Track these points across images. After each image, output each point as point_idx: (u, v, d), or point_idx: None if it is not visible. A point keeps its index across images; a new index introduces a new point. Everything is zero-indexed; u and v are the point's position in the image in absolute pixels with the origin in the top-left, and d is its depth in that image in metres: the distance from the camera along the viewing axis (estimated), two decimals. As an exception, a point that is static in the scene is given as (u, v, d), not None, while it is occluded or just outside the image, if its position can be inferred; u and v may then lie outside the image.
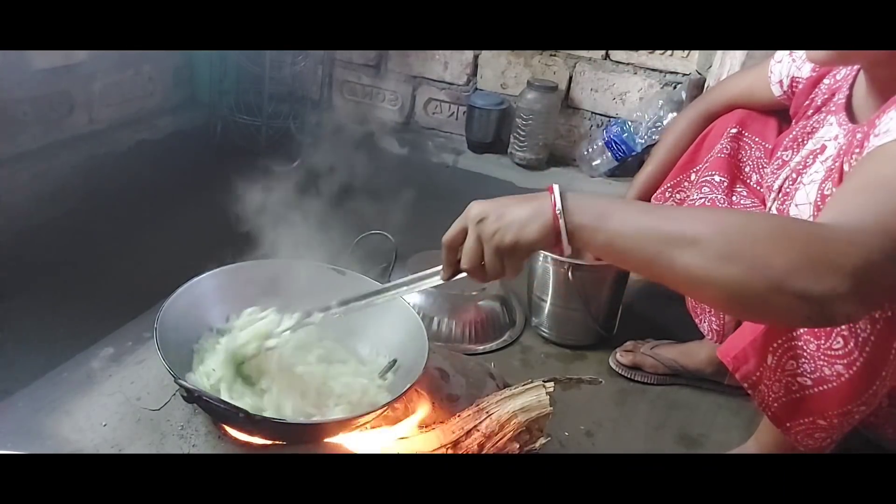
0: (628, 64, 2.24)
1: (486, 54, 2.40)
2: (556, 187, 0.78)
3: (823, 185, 1.02)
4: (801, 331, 0.94)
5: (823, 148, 1.08)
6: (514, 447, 1.04)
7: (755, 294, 0.69)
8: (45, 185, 1.88)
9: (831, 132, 1.09)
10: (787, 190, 1.14)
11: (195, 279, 1.12)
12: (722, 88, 1.41)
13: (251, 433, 0.97)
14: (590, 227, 0.76)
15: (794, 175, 1.13)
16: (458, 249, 0.85)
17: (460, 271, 0.87)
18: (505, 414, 1.05)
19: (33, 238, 1.74)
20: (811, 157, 1.11)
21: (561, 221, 0.77)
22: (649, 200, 1.45)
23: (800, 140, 1.16)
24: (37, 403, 1.06)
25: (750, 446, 1.23)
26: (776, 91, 1.27)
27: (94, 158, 2.03)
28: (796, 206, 1.09)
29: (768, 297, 0.69)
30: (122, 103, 2.19)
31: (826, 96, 1.15)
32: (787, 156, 1.18)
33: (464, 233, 0.83)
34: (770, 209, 1.19)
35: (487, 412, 1.06)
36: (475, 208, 0.82)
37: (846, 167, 0.96)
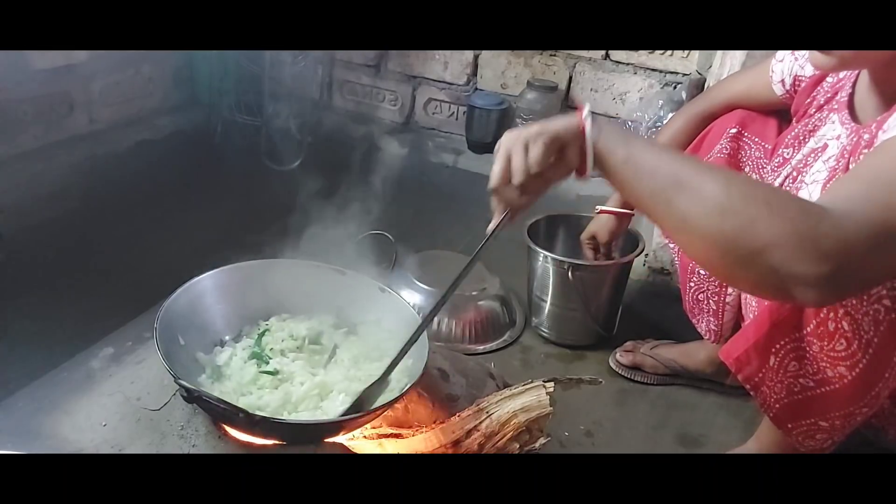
0: (628, 64, 2.24)
1: (486, 54, 2.40)
2: (586, 105, 0.85)
3: (828, 186, 1.02)
4: (805, 332, 0.94)
5: (825, 147, 1.08)
6: (514, 447, 1.04)
7: (737, 254, 0.72)
8: (44, 185, 1.88)
9: (834, 131, 1.08)
10: (788, 188, 1.14)
11: (195, 279, 1.12)
12: (721, 88, 1.40)
13: (251, 433, 0.97)
14: (613, 140, 0.82)
15: (794, 173, 1.13)
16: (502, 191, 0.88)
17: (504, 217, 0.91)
18: (505, 414, 1.05)
19: (33, 238, 1.74)
20: (812, 155, 1.10)
21: (588, 122, 0.83)
22: None
23: (801, 138, 1.16)
24: (37, 403, 1.06)
25: (750, 446, 1.23)
26: (778, 90, 1.26)
27: (94, 158, 2.03)
28: None
29: (751, 260, 0.72)
30: (122, 103, 2.19)
31: (829, 94, 1.14)
32: (787, 153, 1.18)
33: (499, 161, 0.87)
34: None
35: (487, 412, 1.06)
36: (508, 134, 0.88)
37: (851, 167, 0.95)
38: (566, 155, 0.85)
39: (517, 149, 0.85)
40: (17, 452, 0.90)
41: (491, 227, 0.93)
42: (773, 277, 0.71)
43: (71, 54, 1.93)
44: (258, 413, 0.92)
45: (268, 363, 1.08)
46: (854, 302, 0.87)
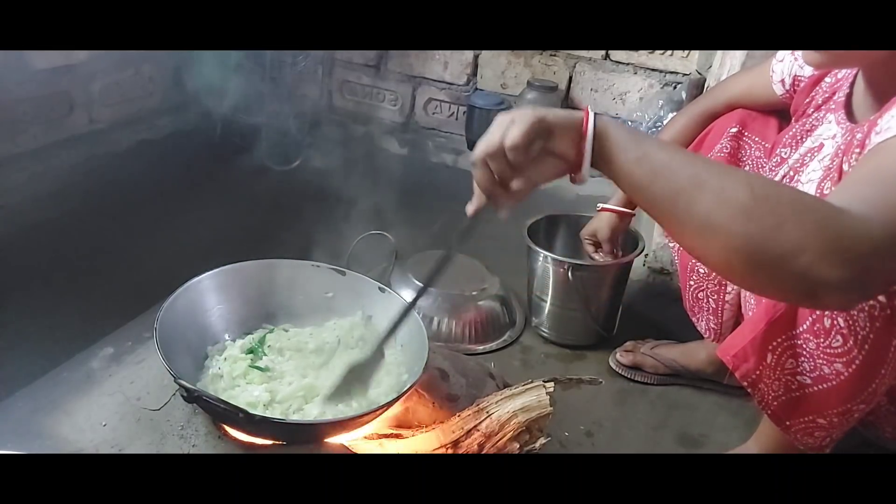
0: (628, 64, 2.24)
1: (486, 54, 2.40)
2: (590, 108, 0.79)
3: (822, 185, 1.02)
4: (801, 329, 0.95)
5: (821, 146, 1.09)
6: (514, 447, 1.04)
7: (766, 258, 0.69)
8: (44, 185, 1.88)
9: (829, 130, 1.09)
10: None
11: (195, 279, 1.12)
12: (722, 88, 1.41)
13: (251, 433, 0.97)
14: (624, 137, 0.77)
15: (791, 173, 1.13)
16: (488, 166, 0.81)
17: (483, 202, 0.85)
18: (505, 414, 1.05)
19: (33, 238, 1.74)
20: (809, 155, 1.11)
21: (591, 116, 0.77)
22: None
23: (799, 138, 1.16)
24: (37, 403, 1.06)
25: (751, 446, 1.23)
26: (778, 90, 1.27)
27: (94, 158, 2.04)
28: None
29: (777, 265, 0.69)
30: (122, 103, 2.19)
31: (826, 95, 1.15)
32: (785, 153, 1.18)
33: (485, 137, 0.81)
34: None
35: (487, 412, 1.06)
36: (502, 114, 0.82)
37: (845, 167, 0.96)
38: (558, 147, 0.79)
39: (500, 123, 0.79)
40: (17, 452, 0.90)
41: (468, 209, 0.87)
42: (801, 283, 0.69)
43: (71, 54, 1.93)
44: (257, 413, 0.93)
45: (261, 358, 1.08)
46: None
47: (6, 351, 1.37)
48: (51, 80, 1.91)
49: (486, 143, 0.80)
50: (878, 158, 0.79)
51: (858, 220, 0.70)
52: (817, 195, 1.02)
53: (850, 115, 1.06)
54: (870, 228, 0.69)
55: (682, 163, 0.74)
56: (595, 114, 0.79)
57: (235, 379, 1.05)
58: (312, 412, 1.01)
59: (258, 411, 0.97)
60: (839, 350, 0.91)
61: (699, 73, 2.10)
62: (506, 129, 0.78)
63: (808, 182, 1.06)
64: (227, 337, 1.15)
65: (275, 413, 1.00)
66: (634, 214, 1.56)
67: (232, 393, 1.03)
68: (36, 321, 1.47)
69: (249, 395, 1.01)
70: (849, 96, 1.08)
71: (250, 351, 1.10)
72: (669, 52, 2.17)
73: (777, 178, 1.16)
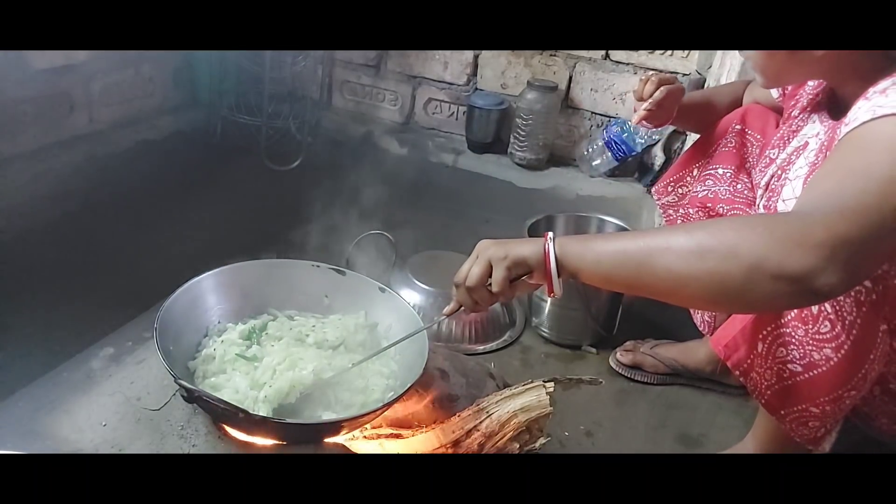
0: (628, 64, 2.24)
1: (486, 54, 2.40)
2: (550, 234, 0.90)
3: (808, 180, 1.05)
4: (789, 317, 0.96)
5: (806, 145, 1.12)
6: (514, 447, 1.04)
7: (734, 283, 0.74)
8: (45, 185, 1.88)
9: (814, 129, 1.13)
10: (774, 186, 1.18)
11: (195, 279, 1.12)
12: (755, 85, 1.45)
13: (251, 433, 0.97)
14: (577, 250, 0.86)
15: (779, 171, 1.17)
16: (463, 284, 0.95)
17: (458, 308, 0.99)
18: (505, 414, 1.05)
19: (33, 238, 1.74)
20: (795, 153, 1.14)
21: (549, 245, 0.87)
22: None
23: (786, 138, 1.21)
24: (37, 403, 1.06)
25: (747, 443, 1.24)
26: (774, 94, 1.33)
27: (94, 158, 2.03)
28: (783, 201, 1.11)
29: (747, 284, 0.73)
30: (122, 103, 2.19)
31: (811, 96, 1.19)
32: (773, 154, 1.22)
33: (467, 264, 0.95)
34: (758, 206, 1.22)
35: (487, 412, 1.06)
36: (480, 243, 0.95)
37: None
38: (533, 276, 0.91)
39: (480, 263, 0.92)
40: (17, 452, 0.90)
41: (445, 311, 1.00)
42: (780, 285, 0.72)
43: (71, 54, 1.93)
44: (256, 413, 0.93)
45: (252, 346, 1.08)
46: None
47: (6, 351, 1.37)
48: (51, 80, 1.91)
49: (470, 280, 0.93)
50: (837, 151, 0.85)
51: (807, 214, 0.75)
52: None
53: (831, 113, 1.11)
54: (825, 216, 0.74)
55: (630, 244, 0.83)
56: (552, 240, 0.88)
57: (226, 363, 1.04)
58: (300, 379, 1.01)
59: (239, 399, 0.97)
60: (827, 336, 0.93)
61: (699, 73, 2.10)
62: (485, 269, 0.91)
63: (796, 178, 1.10)
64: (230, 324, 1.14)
65: (257, 400, 0.98)
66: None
67: (219, 378, 1.02)
68: (36, 321, 1.47)
69: (234, 383, 1.01)
70: (830, 97, 1.13)
71: (248, 336, 1.10)
72: (669, 52, 2.17)
73: (766, 178, 1.21)
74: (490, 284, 0.92)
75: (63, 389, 1.09)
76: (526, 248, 0.89)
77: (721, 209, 1.33)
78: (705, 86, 2.05)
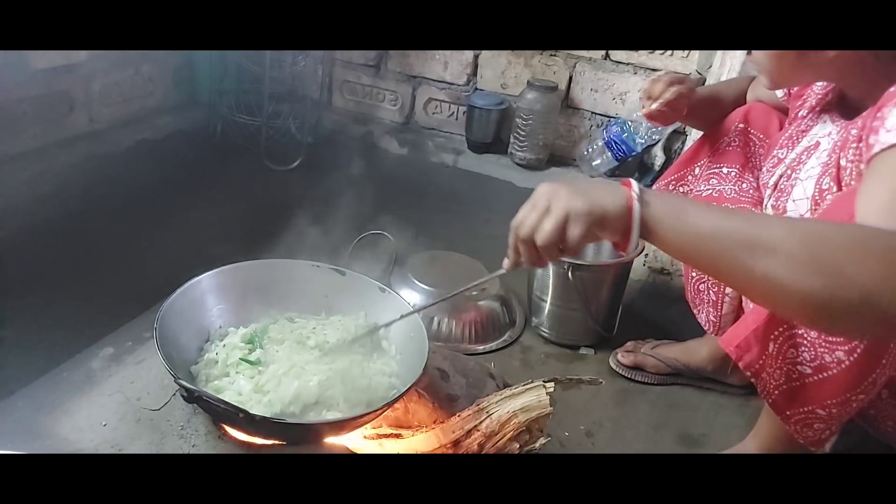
0: (628, 64, 2.24)
1: (486, 54, 2.40)
2: (633, 181, 0.78)
3: (821, 180, 1.05)
4: None
5: (817, 144, 1.11)
6: (514, 447, 1.04)
7: (836, 307, 0.69)
8: (44, 185, 1.88)
9: (825, 129, 1.12)
10: (783, 186, 1.17)
11: (195, 279, 1.12)
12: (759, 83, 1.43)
13: (251, 433, 0.97)
14: (667, 217, 0.76)
15: (788, 171, 1.16)
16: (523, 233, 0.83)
17: (520, 261, 0.87)
18: (505, 414, 1.05)
19: (33, 238, 1.74)
20: (805, 153, 1.14)
21: (636, 204, 0.76)
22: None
23: (794, 138, 1.20)
24: (37, 403, 1.06)
25: (748, 442, 1.24)
26: (779, 94, 1.32)
27: (94, 158, 2.03)
28: (793, 201, 1.11)
29: (850, 311, 0.68)
30: (122, 103, 2.19)
31: (819, 96, 1.18)
32: (781, 154, 1.21)
33: (534, 212, 0.82)
34: (766, 206, 1.21)
35: (487, 412, 1.06)
36: (545, 186, 0.82)
37: (843, 161, 0.99)
38: (606, 235, 0.80)
39: (555, 216, 0.79)
40: (17, 452, 0.90)
41: (504, 268, 0.91)
42: (886, 324, 0.68)
43: (71, 54, 1.93)
44: (256, 413, 0.92)
45: (256, 350, 1.08)
46: None
47: (6, 351, 1.37)
48: (51, 80, 1.91)
49: (541, 236, 0.80)
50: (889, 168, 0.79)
51: None
52: (816, 190, 1.04)
53: (842, 113, 1.10)
54: None
55: (729, 230, 0.73)
56: (638, 192, 0.77)
57: (229, 367, 1.05)
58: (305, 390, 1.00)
59: (242, 401, 0.97)
60: (841, 339, 0.92)
61: (699, 73, 2.10)
62: (561, 225, 0.78)
63: (807, 178, 1.09)
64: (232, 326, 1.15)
65: (260, 403, 0.98)
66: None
67: (222, 382, 1.02)
68: (36, 321, 1.47)
69: (237, 385, 1.01)
70: (840, 97, 1.12)
71: (250, 340, 1.10)
72: (669, 52, 2.17)
73: (774, 178, 1.19)
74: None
75: (63, 389, 1.08)
76: (608, 200, 0.77)
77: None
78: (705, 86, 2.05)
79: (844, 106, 1.10)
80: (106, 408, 1.02)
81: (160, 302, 1.05)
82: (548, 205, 0.80)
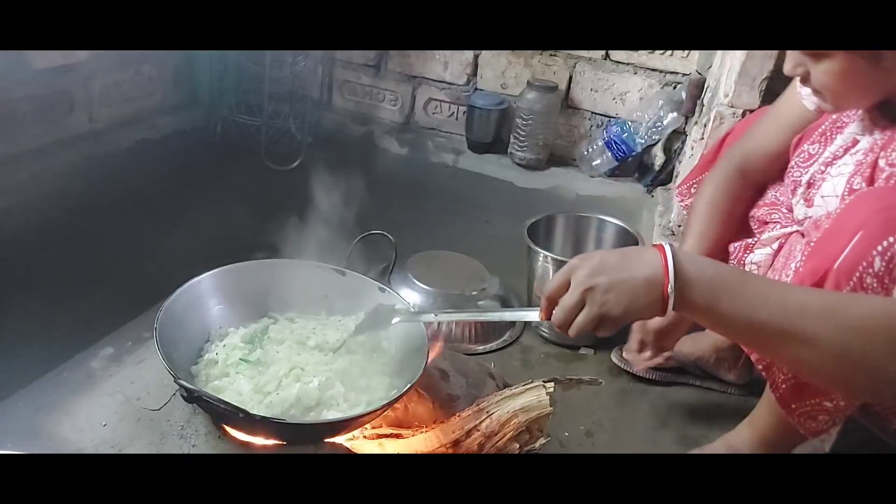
0: (628, 64, 2.24)
1: (486, 54, 2.40)
2: (668, 252, 0.78)
3: (852, 179, 1.03)
4: None
5: (855, 142, 1.09)
6: (514, 447, 1.04)
7: (873, 391, 0.79)
8: (44, 184, 1.88)
9: (862, 127, 1.09)
10: (815, 180, 1.13)
11: (195, 279, 1.12)
12: (750, 139, 1.32)
13: (251, 433, 0.97)
14: (702, 308, 0.79)
15: (822, 167, 1.13)
16: (556, 301, 0.85)
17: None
18: (505, 414, 1.05)
19: (33, 238, 1.74)
20: (841, 150, 1.11)
21: (671, 302, 0.78)
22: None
23: (828, 134, 1.16)
24: (37, 403, 1.06)
25: (742, 428, 1.23)
26: (809, 105, 1.21)
27: (94, 158, 2.03)
28: (822, 196, 1.08)
29: (883, 393, 0.79)
30: (122, 103, 2.19)
31: None
32: (814, 150, 1.17)
33: (565, 287, 0.83)
34: (797, 202, 1.17)
35: (487, 412, 1.06)
36: (583, 269, 0.82)
37: (881, 162, 0.98)
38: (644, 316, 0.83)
39: (588, 317, 0.81)
40: (17, 452, 0.90)
41: (540, 316, 0.89)
42: None
43: (71, 54, 1.93)
44: (256, 413, 0.92)
45: (256, 350, 1.08)
46: (863, 281, 0.88)
47: (6, 351, 1.37)
48: (51, 80, 1.91)
49: (574, 330, 0.83)
50: None
51: None
52: (846, 189, 1.04)
53: (884, 112, 1.06)
54: None
55: (764, 324, 0.76)
56: (673, 286, 0.78)
57: (229, 367, 1.05)
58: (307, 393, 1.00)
59: (242, 401, 0.97)
60: None
61: (699, 73, 2.10)
62: (589, 322, 0.81)
63: (838, 175, 1.07)
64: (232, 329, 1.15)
65: (260, 404, 0.99)
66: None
67: (223, 382, 1.02)
68: (36, 321, 1.47)
69: (238, 386, 1.01)
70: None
71: (250, 341, 1.10)
72: (669, 52, 2.17)
73: (807, 176, 1.15)
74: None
75: (63, 389, 1.08)
76: (642, 300, 0.79)
77: (754, 213, 1.28)
78: (705, 86, 2.05)
79: (887, 105, 1.05)
80: (106, 408, 1.02)
81: (160, 302, 1.05)
82: (582, 299, 0.81)
